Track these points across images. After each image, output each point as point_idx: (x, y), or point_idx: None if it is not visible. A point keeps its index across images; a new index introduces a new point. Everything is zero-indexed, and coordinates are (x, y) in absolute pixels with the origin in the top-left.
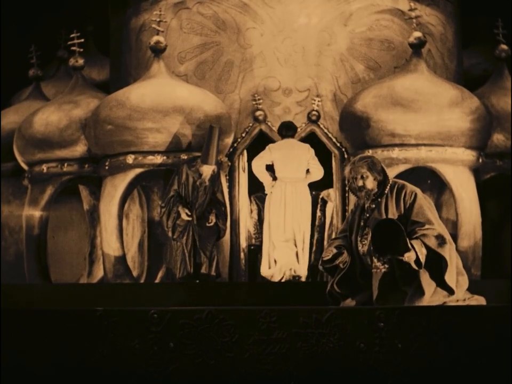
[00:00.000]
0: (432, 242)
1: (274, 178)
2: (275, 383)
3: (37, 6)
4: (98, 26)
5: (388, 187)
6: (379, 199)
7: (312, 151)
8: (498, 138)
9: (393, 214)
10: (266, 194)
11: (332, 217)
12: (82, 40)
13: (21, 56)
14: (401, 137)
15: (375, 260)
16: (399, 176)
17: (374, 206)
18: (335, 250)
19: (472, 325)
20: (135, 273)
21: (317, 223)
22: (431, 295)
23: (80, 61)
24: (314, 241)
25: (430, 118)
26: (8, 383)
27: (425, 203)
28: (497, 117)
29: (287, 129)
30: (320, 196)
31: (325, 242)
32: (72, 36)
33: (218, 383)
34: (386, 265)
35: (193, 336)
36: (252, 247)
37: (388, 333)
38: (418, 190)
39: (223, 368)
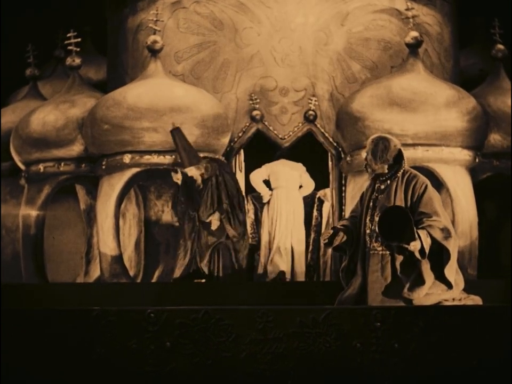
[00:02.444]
0: (438, 234)
1: (271, 189)
2: (272, 383)
3: (35, 6)
4: (95, 26)
5: (401, 172)
6: (389, 181)
7: (304, 168)
8: (495, 138)
9: (400, 199)
10: (264, 203)
11: (329, 217)
12: (79, 39)
13: (18, 55)
14: (397, 137)
15: (373, 241)
16: None
17: (383, 187)
18: (331, 231)
19: (469, 325)
20: (131, 273)
21: (313, 222)
22: (430, 287)
23: (77, 61)
24: (311, 241)
25: (427, 117)
26: (7, 382)
27: (434, 195)
28: (494, 117)
29: (279, 156)
30: (317, 196)
31: (322, 242)
32: (69, 35)
33: (215, 382)
34: (384, 248)
35: (190, 335)
36: (249, 247)
37: (384, 332)
38: (428, 182)
39: (220, 368)
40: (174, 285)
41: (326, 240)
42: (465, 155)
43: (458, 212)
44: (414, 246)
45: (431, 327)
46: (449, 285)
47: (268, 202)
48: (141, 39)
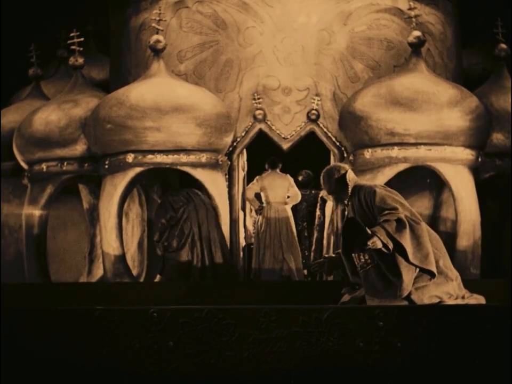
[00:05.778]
0: (392, 228)
1: (262, 203)
2: (275, 382)
3: (37, 5)
4: (98, 26)
5: (349, 191)
6: (349, 203)
7: (291, 179)
8: (497, 137)
9: (360, 214)
10: (257, 215)
11: (331, 216)
12: (82, 39)
13: (21, 55)
14: (400, 136)
15: (358, 261)
16: (399, 175)
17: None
18: (319, 262)
19: (471, 324)
20: (134, 272)
21: (316, 222)
22: (418, 282)
23: (80, 60)
24: (314, 240)
25: (429, 117)
26: (8, 382)
27: (385, 193)
28: (497, 116)
29: (271, 164)
30: (320, 195)
31: (324, 241)
32: (72, 35)
33: (218, 382)
34: (368, 261)
35: (193, 335)
36: (251, 246)
37: (387, 332)
38: (377, 187)
39: (223, 367)
40: (177, 284)
41: (318, 272)
42: (467, 154)
43: (460, 211)
44: (373, 243)
45: (434, 326)
46: (430, 274)
47: (260, 214)
48: (143, 39)
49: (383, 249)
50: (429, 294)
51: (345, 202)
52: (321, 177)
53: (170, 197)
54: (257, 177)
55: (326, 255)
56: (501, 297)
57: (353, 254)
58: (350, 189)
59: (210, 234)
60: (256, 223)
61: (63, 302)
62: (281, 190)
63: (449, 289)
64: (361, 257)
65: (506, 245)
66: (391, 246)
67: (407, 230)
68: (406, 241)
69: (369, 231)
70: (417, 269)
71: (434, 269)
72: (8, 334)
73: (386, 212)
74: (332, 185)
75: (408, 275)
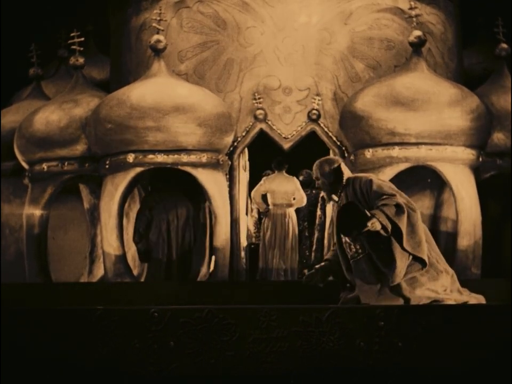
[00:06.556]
0: (390, 211)
1: (268, 205)
2: (275, 382)
3: (37, 5)
4: (98, 26)
5: (344, 183)
6: (341, 194)
7: (297, 182)
8: (498, 137)
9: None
10: (262, 217)
11: (332, 216)
12: (83, 39)
13: (21, 55)
14: (401, 136)
15: (348, 251)
16: (399, 174)
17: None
18: (311, 273)
19: (472, 324)
20: (135, 272)
21: (317, 221)
22: (410, 271)
23: (81, 60)
24: (315, 240)
25: (430, 116)
26: (8, 382)
27: (382, 182)
28: (497, 116)
29: (277, 165)
30: (321, 195)
31: (325, 241)
32: (72, 35)
33: (218, 382)
34: (359, 250)
35: (193, 335)
36: (252, 246)
37: (387, 331)
38: (372, 177)
39: (223, 367)
40: (178, 284)
41: (311, 282)
42: (468, 154)
43: (461, 211)
44: (373, 224)
45: (434, 326)
46: (422, 262)
47: (266, 215)
48: (144, 39)
49: (382, 231)
50: (421, 287)
51: (337, 193)
52: (315, 170)
53: (148, 198)
54: (264, 178)
55: (317, 266)
56: (502, 297)
57: (344, 245)
58: (344, 180)
59: (179, 232)
60: (263, 225)
61: (63, 302)
62: (288, 193)
63: (443, 282)
64: (352, 247)
65: (506, 245)
66: (389, 228)
67: (405, 216)
68: (404, 226)
69: (368, 213)
70: (410, 257)
71: (426, 258)
72: (8, 334)
73: (384, 196)
74: (327, 177)
75: (402, 262)
